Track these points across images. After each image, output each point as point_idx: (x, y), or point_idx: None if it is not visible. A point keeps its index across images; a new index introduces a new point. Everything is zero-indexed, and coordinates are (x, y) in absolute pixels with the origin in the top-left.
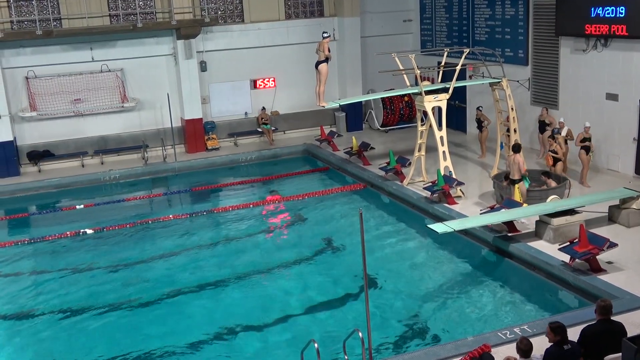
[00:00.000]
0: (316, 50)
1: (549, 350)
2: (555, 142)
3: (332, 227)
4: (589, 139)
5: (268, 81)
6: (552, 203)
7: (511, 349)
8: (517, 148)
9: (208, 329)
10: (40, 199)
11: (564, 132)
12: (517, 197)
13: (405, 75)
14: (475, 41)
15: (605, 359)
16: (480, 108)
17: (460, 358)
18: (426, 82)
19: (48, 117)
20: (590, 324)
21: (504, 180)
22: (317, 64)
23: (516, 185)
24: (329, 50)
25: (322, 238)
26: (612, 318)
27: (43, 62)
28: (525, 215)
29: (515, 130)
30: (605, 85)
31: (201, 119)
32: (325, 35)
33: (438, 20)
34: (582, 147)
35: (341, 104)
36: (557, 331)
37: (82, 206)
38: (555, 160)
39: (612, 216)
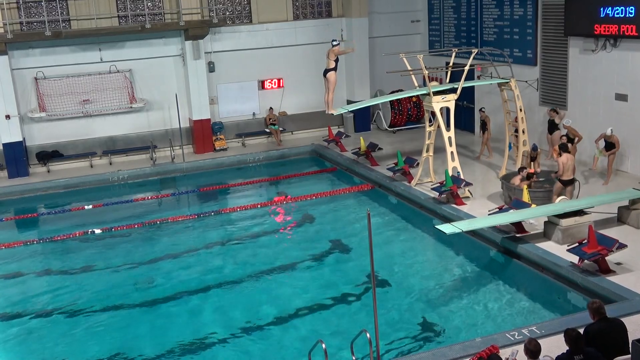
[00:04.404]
0: (327, 55)
1: (559, 358)
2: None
3: (339, 227)
4: (612, 144)
5: (276, 82)
6: (561, 204)
7: (519, 350)
8: (564, 147)
9: (215, 329)
10: (49, 199)
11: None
12: (525, 198)
13: (413, 76)
14: (483, 41)
15: None
16: (483, 109)
17: (468, 359)
18: (434, 83)
19: (57, 118)
20: (591, 323)
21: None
22: (326, 72)
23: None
24: (337, 59)
25: (329, 238)
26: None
27: (52, 63)
28: (533, 216)
29: (523, 131)
30: (615, 85)
31: (209, 119)
32: (334, 43)
33: (446, 21)
34: (608, 151)
35: (350, 109)
36: (571, 341)
37: (90, 206)
38: None
39: (621, 217)
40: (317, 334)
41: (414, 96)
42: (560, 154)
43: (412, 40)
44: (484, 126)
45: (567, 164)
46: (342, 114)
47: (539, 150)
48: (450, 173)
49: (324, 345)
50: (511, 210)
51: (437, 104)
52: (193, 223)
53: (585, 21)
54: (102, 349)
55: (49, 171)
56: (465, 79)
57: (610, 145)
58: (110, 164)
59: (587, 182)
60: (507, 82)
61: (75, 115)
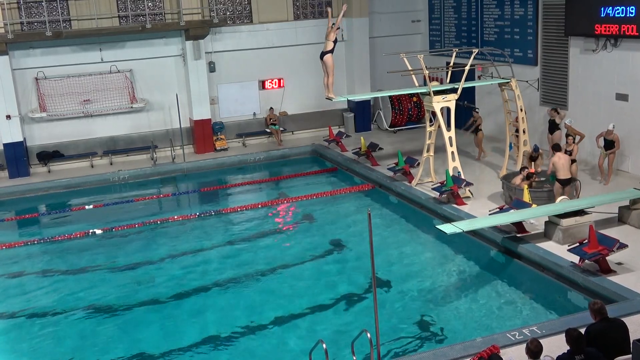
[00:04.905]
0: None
1: (560, 358)
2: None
3: (340, 227)
4: (612, 141)
5: (276, 82)
6: (562, 204)
7: (520, 350)
8: (557, 147)
9: (216, 329)
10: (49, 199)
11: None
12: (526, 197)
13: (414, 76)
14: (484, 41)
15: None
16: (477, 110)
17: (469, 359)
18: (435, 83)
19: (57, 118)
20: (593, 323)
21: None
22: (322, 54)
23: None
24: (335, 39)
25: (330, 238)
26: (617, 317)
27: (53, 63)
28: (534, 216)
29: (524, 131)
30: (615, 85)
31: (210, 119)
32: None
33: (447, 21)
34: (607, 150)
35: (349, 98)
36: (572, 341)
37: (91, 206)
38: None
39: (622, 217)
40: (317, 333)
41: (414, 96)
42: (554, 154)
43: (412, 40)
44: (477, 127)
45: (559, 163)
46: (343, 114)
47: (540, 151)
48: (451, 173)
49: (324, 345)
50: (512, 210)
51: (438, 103)
52: (193, 223)
53: (585, 21)
54: (102, 349)
55: (49, 171)
56: (466, 79)
57: (610, 144)
58: (111, 164)
59: (588, 182)
60: (508, 82)
61: (75, 116)
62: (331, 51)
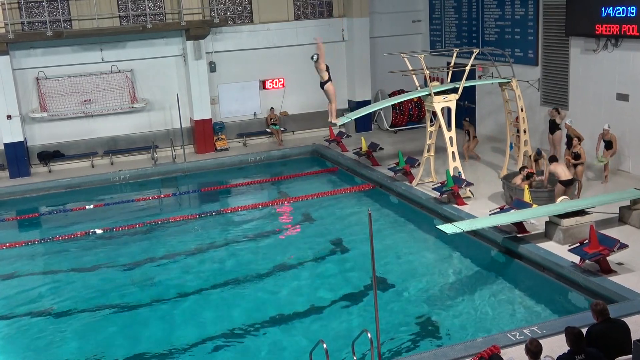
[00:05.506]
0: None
1: (561, 358)
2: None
3: (340, 227)
4: (610, 142)
5: (277, 82)
6: (562, 204)
7: (520, 350)
8: (554, 158)
9: (216, 329)
10: (50, 199)
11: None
12: (526, 198)
13: (414, 76)
14: (484, 41)
15: None
16: (467, 119)
17: (469, 359)
18: (435, 83)
19: (58, 118)
20: (594, 323)
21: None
22: (322, 84)
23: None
24: (327, 67)
25: (330, 238)
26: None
27: (53, 63)
28: (534, 216)
29: (525, 131)
30: (616, 85)
31: (210, 119)
32: (314, 59)
33: (447, 21)
34: (608, 151)
35: (352, 117)
36: (572, 338)
37: (92, 206)
38: (575, 165)
39: (622, 217)
40: (318, 333)
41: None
42: (550, 163)
43: (413, 40)
44: (469, 135)
45: (557, 169)
46: (343, 113)
47: (543, 154)
48: (452, 173)
49: (325, 345)
50: (512, 210)
51: (439, 104)
52: (194, 223)
53: (586, 21)
54: (99, 349)
55: (50, 171)
56: (467, 79)
57: (608, 145)
58: (112, 163)
59: (588, 183)
60: (509, 82)
61: (76, 115)
62: (329, 79)
